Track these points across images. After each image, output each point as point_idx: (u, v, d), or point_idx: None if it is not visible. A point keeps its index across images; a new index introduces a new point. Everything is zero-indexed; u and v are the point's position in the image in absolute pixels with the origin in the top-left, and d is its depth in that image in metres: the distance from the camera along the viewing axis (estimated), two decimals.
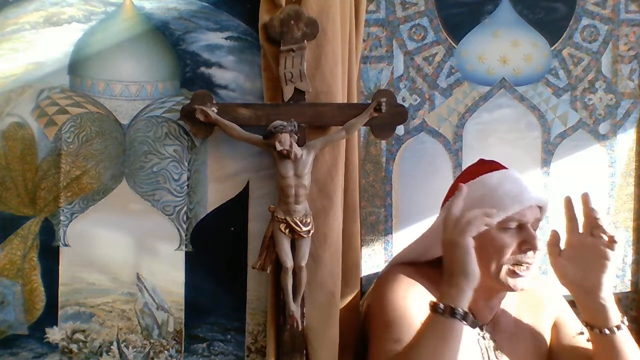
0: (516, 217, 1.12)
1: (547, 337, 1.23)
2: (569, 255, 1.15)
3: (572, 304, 1.28)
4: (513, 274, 1.12)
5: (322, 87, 1.25)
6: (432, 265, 1.23)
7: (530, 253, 1.12)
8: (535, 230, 1.15)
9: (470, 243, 1.03)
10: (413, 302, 1.15)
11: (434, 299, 1.09)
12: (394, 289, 1.17)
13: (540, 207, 1.16)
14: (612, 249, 1.09)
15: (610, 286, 1.12)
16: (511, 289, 1.13)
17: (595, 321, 1.12)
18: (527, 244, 1.11)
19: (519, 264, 1.12)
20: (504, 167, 1.23)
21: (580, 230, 1.15)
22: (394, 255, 1.45)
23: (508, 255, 1.12)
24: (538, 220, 1.16)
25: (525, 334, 1.21)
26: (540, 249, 1.12)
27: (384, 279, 1.23)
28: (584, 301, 1.13)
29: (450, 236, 1.05)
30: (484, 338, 1.17)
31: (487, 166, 1.24)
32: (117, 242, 1.36)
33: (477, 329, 1.17)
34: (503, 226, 1.12)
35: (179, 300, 1.37)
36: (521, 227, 1.13)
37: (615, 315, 1.11)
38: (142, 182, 1.36)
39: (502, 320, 1.21)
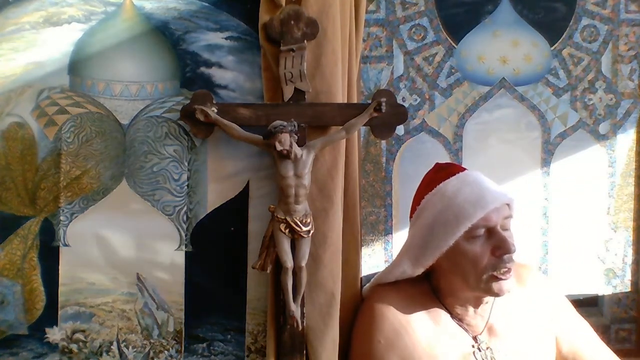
0: (482, 224, 1.08)
1: (548, 337, 1.19)
2: None
3: (574, 303, 1.29)
4: (495, 278, 1.07)
5: (322, 87, 1.24)
6: (412, 282, 1.20)
7: (506, 257, 1.07)
8: (507, 229, 1.11)
9: None
10: (389, 345, 1.12)
11: (415, 324, 1.08)
12: (373, 335, 1.14)
13: (508, 204, 1.11)
14: None
15: None
16: (497, 295, 1.09)
17: None
18: (499, 249, 1.07)
19: (497, 270, 1.07)
20: (462, 170, 1.18)
21: None
22: (393, 257, 1.45)
23: (483, 264, 1.08)
24: (508, 217, 1.11)
25: (524, 338, 1.17)
26: (516, 249, 1.07)
27: (365, 315, 1.20)
28: None
29: None
30: (479, 349, 1.15)
31: (443, 172, 1.19)
32: (117, 242, 1.36)
33: (471, 342, 1.15)
34: (470, 235, 1.08)
35: (179, 300, 1.37)
36: (490, 231, 1.08)
37: None
38: (142, 182, 1.36)
39: (497, 325, 1.18)
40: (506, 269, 1.08)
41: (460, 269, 1.10)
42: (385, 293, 1.20)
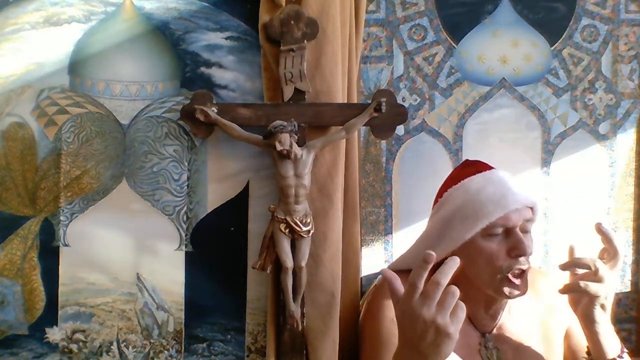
0: (500, 223, 1.07)
1: (559, 346, 1.18)
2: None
3: None
4: (507, 281, 1.07)
5: (322, 87, 1.25)
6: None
7: (522, 259, 1.07)
8: (527, 232, 1.10)
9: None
10: None
11: None
12: (383, 312, 1.13)
13: (531, 207, 1.11)
14: (598, 281, 1.05)
15: (606, 319, 1.08)
16: (507, 297, 1.09)
17: (594, 352, 1.09)
18: (515, 249, 1.06)
19: (512, 271, 1.07)
20: (489, 168, 1.18)
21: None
22: (393, 258, 1.45)
23: (499, 263, 1.07)
24: (529, 221, 1.10)
25: (534, 343, 1.16)
26: (532, 252, 1.07)
27: (376, 295, 1.19)
28: (584, 330, 1.10)
29: (429, 316, 0.83)
30: (486, 348, 1.14)
31: (470, 169, 1.19)
32: (117, 242, 1.36)
33: (479, 339, 1.14)
34: (488, 233, 1.07)
35: (179, 300, 1.37)
36: (508, 231, 1.08)
37: (612, 349, 1.08)
38: (142, 182, 1.36)
39: (507, 328, 1.17)
40: (519, 271, 1.07)
41: (474, 266, 1.09)
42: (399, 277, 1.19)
